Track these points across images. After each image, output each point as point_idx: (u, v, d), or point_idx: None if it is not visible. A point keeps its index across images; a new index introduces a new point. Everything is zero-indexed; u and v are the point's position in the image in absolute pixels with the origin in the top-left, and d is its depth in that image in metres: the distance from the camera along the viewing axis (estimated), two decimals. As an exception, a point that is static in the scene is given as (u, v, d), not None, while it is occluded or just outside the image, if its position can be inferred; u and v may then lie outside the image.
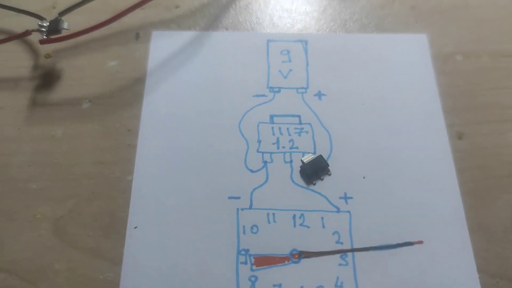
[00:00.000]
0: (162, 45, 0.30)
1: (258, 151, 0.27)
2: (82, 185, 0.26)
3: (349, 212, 0.25)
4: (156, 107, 0.28)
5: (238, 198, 0.25)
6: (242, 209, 0.25)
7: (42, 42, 0.28)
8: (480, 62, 0.30)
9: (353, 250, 0.24)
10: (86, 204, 0.25)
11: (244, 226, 0.24)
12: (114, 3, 0.29)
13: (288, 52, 0.30)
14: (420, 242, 0.24)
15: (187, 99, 0.28)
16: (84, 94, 0.29)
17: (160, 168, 0.26)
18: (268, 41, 0.31)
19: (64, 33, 0.28)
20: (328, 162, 0.26)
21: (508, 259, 0.24)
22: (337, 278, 0.23)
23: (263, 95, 0.29)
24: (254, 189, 0.26)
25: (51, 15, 0.29)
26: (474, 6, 0.32)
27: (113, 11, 0.28)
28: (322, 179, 0.26)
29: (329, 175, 0.26)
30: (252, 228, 0.24)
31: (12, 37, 0.29)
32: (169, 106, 0.28)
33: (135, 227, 0.24)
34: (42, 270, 0.24)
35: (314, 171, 0.26)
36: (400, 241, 0.24)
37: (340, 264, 0.24)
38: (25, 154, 0.27)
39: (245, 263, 0.24)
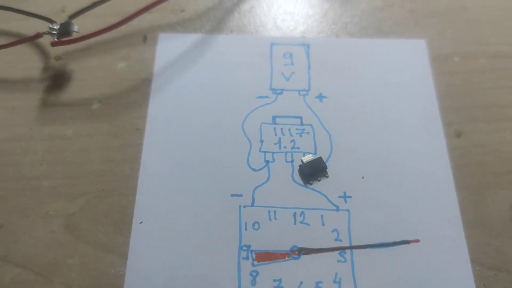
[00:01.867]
0: (168, 47, 0.31)
1: (260, 151, 0.28)
2: (93, 182, 0.27)
3: (348, 210, 0.26)
4: (162, 107, 0.29)
5: (241, 195, 0.26)
6: (244, 207, 0.26)
7: (53, 44, 0.29)
8: (478, 63, 0.31)
9: (351, 247, 0.25)
10: (97, 201, 0.26)
11: (246, 223, 0.25)
12: (122, 7, 0.30)
13: (291, 55, 0.31)
14: (417, 241, 0.25)
15: (192, 100, 0.29)
16: (94, 94, 0.30)
17: (165, 165, 0.27)
18: (272, 44, 0.31)
19: (74, 35, 0.29)
20: (328, 162, 0.27)
21: (505, 252, 0.25)
22: (336, 274, 0.24)
23: (266, 97, 0.29)
24: (256, 187, 0.26)
25: (61, 19, 0.30)
26: (472, 8, 0.33)
27: (121, 14, 0.29)
28: (319, 180, 0.27)
29: (327, 177, 0.27)
30: (253, 224, 0.25)
31: (24, 39, 0.30)
32: (174, 106, 0.29)
33: (141, 222, 0.25)
34: (56, 264, 0.24)
35: (312, 171, 0.26)
36: (397, 240, 0.25)
37: (338, 261, 0.24)
38: (37, 153, 0.28)
39: (247, 258, 0.24)
